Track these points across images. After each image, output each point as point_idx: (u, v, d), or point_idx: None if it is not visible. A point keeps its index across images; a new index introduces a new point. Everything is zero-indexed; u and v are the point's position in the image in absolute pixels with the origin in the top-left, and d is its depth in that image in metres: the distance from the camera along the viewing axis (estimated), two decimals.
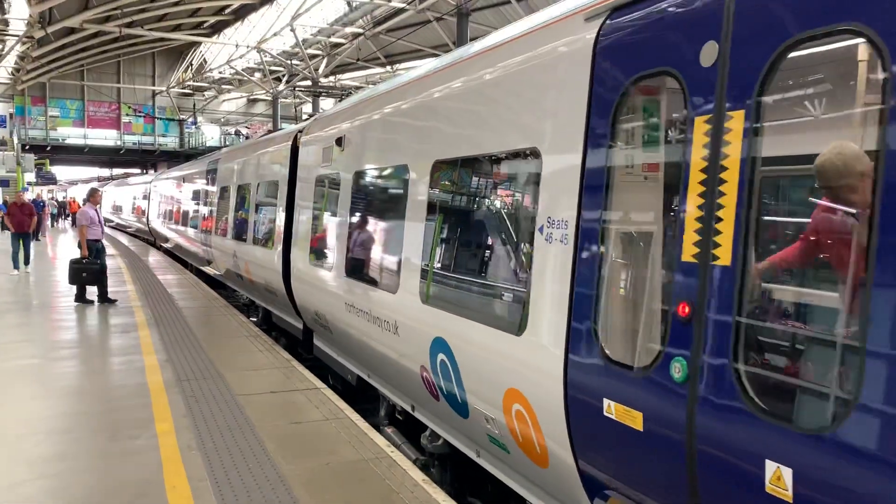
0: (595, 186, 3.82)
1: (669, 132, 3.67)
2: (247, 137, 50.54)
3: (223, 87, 60.57)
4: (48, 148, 59.01)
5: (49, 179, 59.40)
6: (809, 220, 3.25)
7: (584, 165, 3.91)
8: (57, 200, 60.66)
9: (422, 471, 5.77)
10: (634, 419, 3.41)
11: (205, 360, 9.20)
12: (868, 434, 2.44)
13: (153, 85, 61.92)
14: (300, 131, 10.87)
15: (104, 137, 61.87)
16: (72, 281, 13.78)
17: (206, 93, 63.36)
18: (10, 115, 57.15)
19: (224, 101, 65.24)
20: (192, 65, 59.12)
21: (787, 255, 3.27)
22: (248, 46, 42.99)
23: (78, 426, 6.67)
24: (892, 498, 2.36)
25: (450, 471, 6.41)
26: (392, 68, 42.60)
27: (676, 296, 3.23)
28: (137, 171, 67.32)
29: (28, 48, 42.05)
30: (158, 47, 57.28)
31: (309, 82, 40.21)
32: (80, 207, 30.46)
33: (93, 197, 15.05)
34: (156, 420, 6.77)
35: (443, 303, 5.58)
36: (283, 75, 46.18)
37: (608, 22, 3.86)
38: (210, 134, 63.91)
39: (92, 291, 13.96)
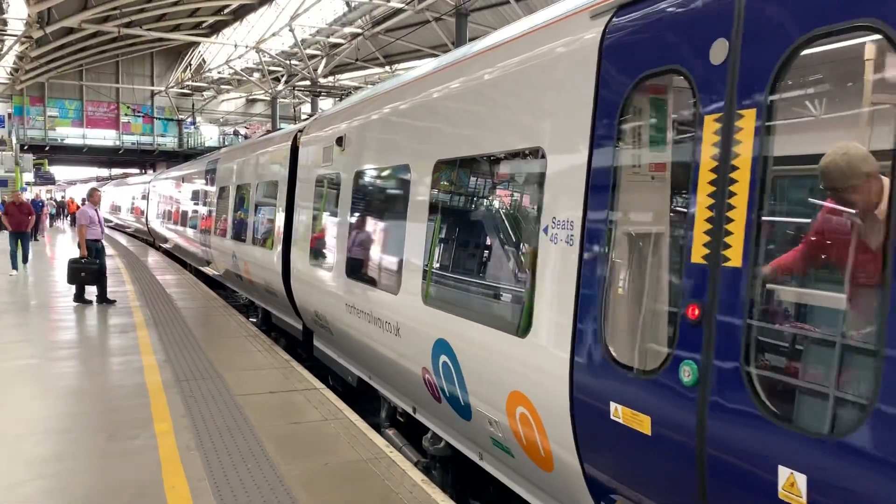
0: (601, 186, 3.77)
1: (678, 131, 3.63)
2: (245, 137, 50.46)
3: (222, 87, 60.55)
4: (47, 148, 58.89)
5: (47, 179, 59.32)
6: (821, 221, 3.20)
7: (589, 165, 3.86)
8: (55, 200, 60.56)
9: (423, 473, 5.73)
10: (642, 423, 3.36)
11: (203, 361, 9.16)
12: (885, 439, 2.39)
13: (152, 85, 61.86)
14: (300, 131, 10.82)
15: (103, 137, 61.81)
16: (70, 281, 13.73)
17: (204, 93, 63.33)
18: (9, 115, 56.95)
19: (223, 101, 65.20)
20: (190, 65, 59.06)
21: (797, 255, 3.21)
22: (246, 46, 42.94)
23: (77, 426, 6.64)
24: None
25: (451, 473, 6.37)
26: (391, 68, 42.58)
27: (686, 298, 3.18)
28: (136, 171, 67.18)
29: (27, 48, 41.97)
30: (157, 47, 57.20)
31: (308, 82, 40.11)
32: (78, 208, 30.45)
33: (92, 197, 15.00)
34: (154, 420, 6.74)
35: (445, 304, 5.53)
36: (282, 75, 46.14)
37: (614, 20, 3.82)
38: (209, 134, 63.85)
39: (91, 291, 13.92)
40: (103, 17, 38.96)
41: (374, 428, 6.81)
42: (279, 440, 6.22)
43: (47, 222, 42.29)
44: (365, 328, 7.12)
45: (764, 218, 2.90)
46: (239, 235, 13.89)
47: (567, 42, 4.24)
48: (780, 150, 2.90)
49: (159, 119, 60.53)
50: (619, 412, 3.51)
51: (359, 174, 7.74)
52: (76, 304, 13.75)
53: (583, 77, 3.97)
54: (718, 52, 3.09)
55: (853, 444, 2.48)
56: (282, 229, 10.85)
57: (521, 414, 4.38)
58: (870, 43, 2.67)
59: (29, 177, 49.11)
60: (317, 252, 9.14)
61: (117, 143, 62.24)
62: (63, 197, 67.34)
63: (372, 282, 7.20)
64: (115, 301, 13.91)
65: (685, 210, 3.28)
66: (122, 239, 35.59)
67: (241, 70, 49.84)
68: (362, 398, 8.30)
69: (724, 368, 2.95)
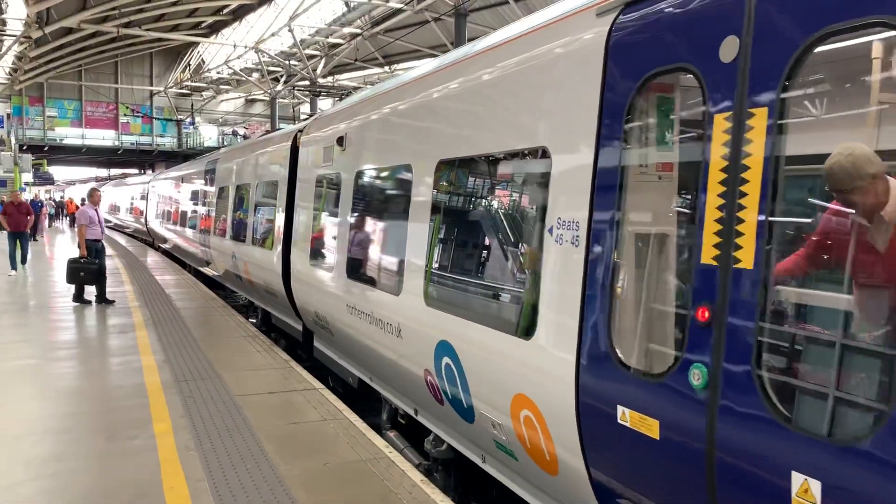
0: (608, 186, 3.72)
1: (686, 130, 3.57)
2: (245, 137, 50.41)
3: (221, 87, 60.50)
4: (46, 148, 58.84)
5: (46, 180, 59.21)
6: (830, 221, 3.14)
7: (595, 165, 3.81)
8: (54, 201, 60.49)
9: (425, 476, 5.69)
10: (650, 427, 3.31)
11: (203, 361, 9.11)
12: None
13: (151, 85, 61.81)
14: (300, 131, 10.77)
15: (102, 138, 61.78)
16: (69, 280, 13.69)
17: (203, 93, 63.28)
18: (8, 115, 56.76)
19: (222, 101, 65.13)
20: (189, 65, 59.02)
21: (811, 255, 3.14)
22: (245, 47, 42.91)
23: (76, 426, 6.60)
24: None
25: (454, 476, 6.32)
26: (390, 69, 42.56)
27: (695, 300, 3.13)
28: (135, 171, 67.14)
29: (25, 48, 41.90)
30: (156, 47, 57.17)
31: (307, 83, 40.06)
32: (77, 208, 30.40)
33: (92, 197, 14.96)
34: (154, 420, 6.71)
35: (448, 305, 5.48)
36: (281, 75, 46.14)
37: (621, 17, 3.77)
38: (208, 134, 63.83)
39: (90, 291, 13.87)
40: (102, 17, 38.90)
41: (374, 429, 6.77)
42: (278, 440, 6.19)
43: (46, 222, 42.24)
44: (366, 329, 7.07)
45: (776, 218, 2.85)
46: (238, 236, 13.84)
47: (572, 40, 4.19)
48: (792, 149, 2.85)
49: (158, 119, 60.43)
50: (626, 416, 3.46)
51: (359, 174, 7.69)
52: (75, 304, 13.71)
53: (588, 76, 3.92)
54: (729, 49, 3.04)
55: (869, 449, 2.42)
56: (282, 229, 10.80)
57: (526, 417, 4.33)
58: (885, 40, 2.62)
59: (28, 177, 48.99)
60: (317, 252, 9.09)
61: (116, 143, 62.22)
62: (62, 197, 67.29)
63: (373, 282, 7.15)
64: (114, 301, 13.87)
65: (694, 210, 3.23)
66: (122, 239, 35.56)
67: (240, 70, 49.80)
68: (362, 399, 8.26)
69: (735, 372, 2.90)
